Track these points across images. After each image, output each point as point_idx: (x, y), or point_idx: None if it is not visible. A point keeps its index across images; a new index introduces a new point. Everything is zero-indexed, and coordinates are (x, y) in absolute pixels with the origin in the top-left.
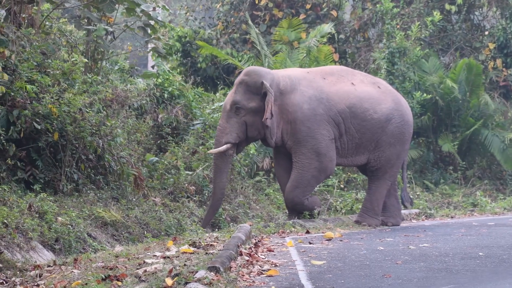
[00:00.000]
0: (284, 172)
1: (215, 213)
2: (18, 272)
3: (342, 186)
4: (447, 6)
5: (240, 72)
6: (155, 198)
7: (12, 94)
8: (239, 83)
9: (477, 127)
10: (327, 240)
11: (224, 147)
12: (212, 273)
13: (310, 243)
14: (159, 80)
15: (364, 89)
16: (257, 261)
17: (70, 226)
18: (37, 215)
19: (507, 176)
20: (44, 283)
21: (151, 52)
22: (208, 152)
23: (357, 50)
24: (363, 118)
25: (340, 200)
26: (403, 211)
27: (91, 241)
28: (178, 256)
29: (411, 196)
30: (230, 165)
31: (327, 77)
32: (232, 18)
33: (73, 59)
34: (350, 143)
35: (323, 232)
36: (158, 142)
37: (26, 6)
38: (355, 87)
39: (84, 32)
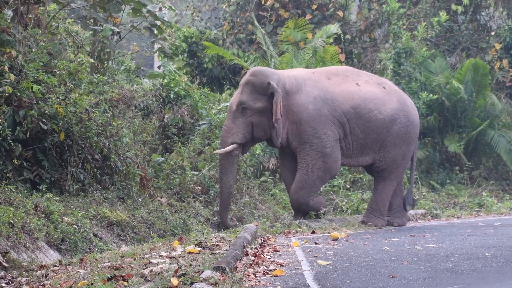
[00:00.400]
0: (289, 173)
1: (228, 211)
2: (24, 272)
3: (348, 186)
4: (453, 7)
5: (245, 73)
6: (161, 198)
7: (19, 94)
8: (245, 83)
9: (483, 127)
10: (333, 240)
11: (230, 147)
12: (217, 273)
13: (316, 243)
14: (165, 81)
15: (369, 89)
16: (263, 261)
17: (76, 226)
18: (43, 215)
19: None
20: (50, 283)
21: (157, 52)
22: (214, 152)
23: (363, 50)
24: (367, 119)
25: (346, 200)
26: (409, 212)
27: (97, 241)
28: (184, 256)
29: (416, 197)
30: (236, 165)
31: (332, 78)
32: (238, 19)
33: (79, 59)
34: (355, 143)
35: (329, 232)
36: (164, 142)
37: (33, 7)
38: (359, 88)
39: (91, 32)
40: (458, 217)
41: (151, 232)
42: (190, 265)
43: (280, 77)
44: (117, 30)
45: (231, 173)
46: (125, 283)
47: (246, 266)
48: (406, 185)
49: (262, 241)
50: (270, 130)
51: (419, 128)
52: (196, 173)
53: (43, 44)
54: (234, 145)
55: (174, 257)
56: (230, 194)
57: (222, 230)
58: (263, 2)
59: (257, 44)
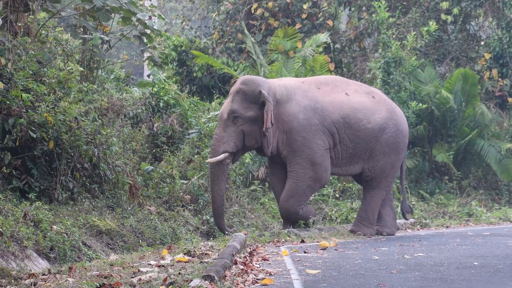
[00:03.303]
0: (278, 182)
1: (223, 218)
2: (13, 281)
3: (337, 195)
4: (443, 16)
5: (235, 81)
6: (150, 207)
7: (8, 102)
8: (236, 92)
9: (473, 137)
10: (322, 249)
11: (221, 156)
12: (206, 281)
13: (305, 252)
14: (155, 89)
15: (358, 99)
16: (251, 270)
17: (65, 235)
18: (32, 224)
19: (502, 186)
20: None
21: (147, 61)
22: (206, 161)
23: (353, 59)
24: (356, 128)
25: (335, 209)
26: (398, 221)
27: (86, 249)
28: (173, 265)
29: (413, 203)
30: (227, 173)
31: (322, 87)
32: (228, 28)
33: (69, 68)
34: (344, 153)
35: (318, 241)
36: (154, 151)
37: (22, 15)
38: (349, 97)
39: (80, 41)
40: (447, 227)
41: (140, 241)
42: (179, 273)
43: (271, 86)
44: (107, 38)
45: (223, 182)
46: None
47: (235, 275)
48: (396, 194)
49: (251, 250)
50: (262, 139)
51: (408, 137)
52: (185, 182)
53: (33, 52)
54: (226, 154)
55: (163, 266)
56: (223, 202)
57: (211, 238)
58: (253, 11)
59: (247, 53)
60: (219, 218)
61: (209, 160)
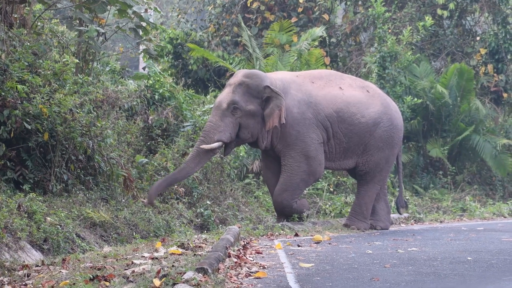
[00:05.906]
0: (272, 175)
1: (164, 190)
2: (6, 272)
3: (331, 189)
4: (439, 11)
5: (231, 75)
6: (144, 199)
7: (3, 94)
8: (238, 84)
9: (468, 132)
10: (315, 243)
11: (215, 144)
12: (200, 274)
13: (298, 246)
14: (150, 82)
15: (352, 93)
16: (245, 263)
17: (59, 226)
18: (26, 215)
19: (496, 182)
20: (32, 283)
21: (143, 53)
22: (201, 146)
23: (349, 54)
24: (350, 123)
25: (329, 203)
26: (392, 215)
27: (79, 241)
28: (166, 257)
29: (407, 198)
30: (209, 160)
31: (316, 81)
32: (224, 21)
33: (64, 59)
34: (338, 147)
35: (312, 235)
36: (148, 143)
37: (18, 6)
38: (343, 92)
39: (76, 33)
40: (441, 222)
41: (134, 233)
42: (173, 266)
43: (271, 81)
44: (103, 31)
45: (200, 164)
46: (107, 284)
47: (228, 268)
48: (390, 189)
49: (245, 243)
50: (258, 133)
51: (402, 132)
52: None
53: (28, 44)
54: (220, 143)
55: (156, 258)
56: (181, 179)
57: (205, 231)
58: (249, 5)
59: (243, 47)
60: (162, 186)
61: (203, 146)
